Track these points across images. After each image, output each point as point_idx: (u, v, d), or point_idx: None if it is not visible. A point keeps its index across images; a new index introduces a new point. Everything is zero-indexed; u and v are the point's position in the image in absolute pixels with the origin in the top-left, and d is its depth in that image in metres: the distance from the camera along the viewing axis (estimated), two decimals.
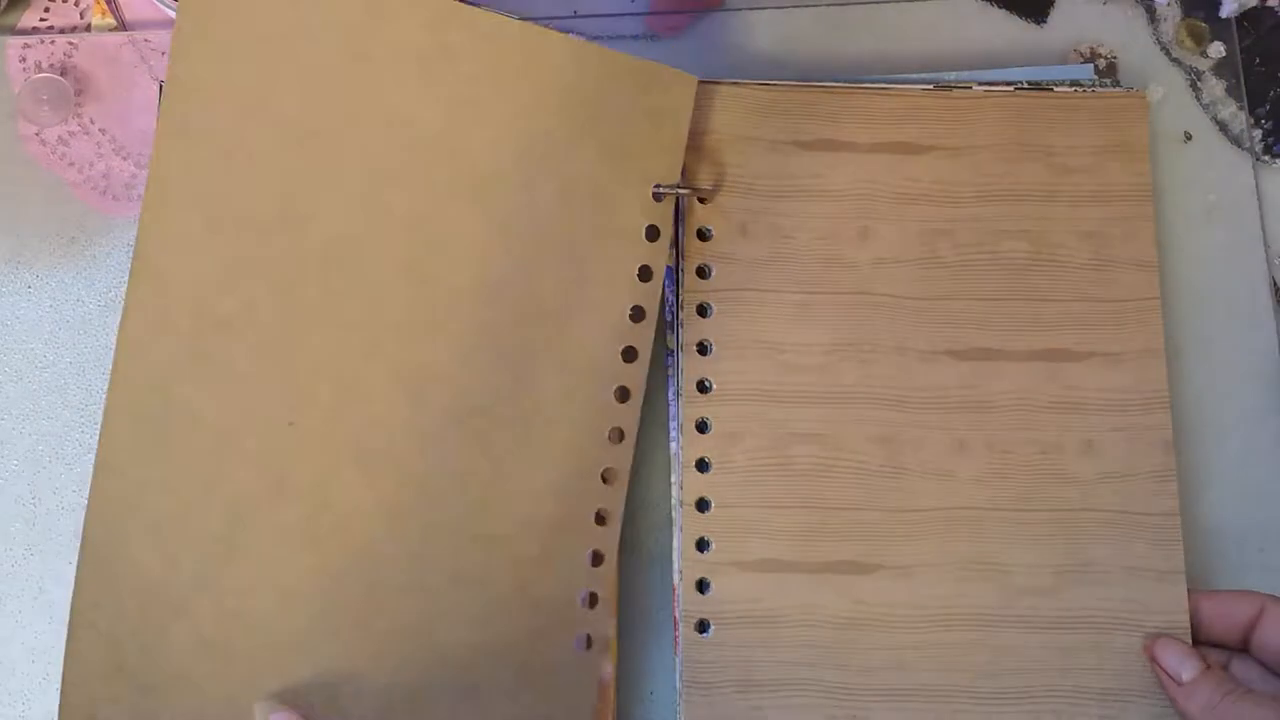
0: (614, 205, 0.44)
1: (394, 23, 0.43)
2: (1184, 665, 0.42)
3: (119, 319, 0.43)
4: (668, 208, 0.45)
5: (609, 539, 0.44)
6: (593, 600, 0.43)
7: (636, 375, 0.44)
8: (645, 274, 0.44)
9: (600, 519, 0.44)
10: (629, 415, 0.44)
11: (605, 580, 0.43)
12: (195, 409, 0.42)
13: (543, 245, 0.44)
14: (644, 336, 0.44)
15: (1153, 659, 0.43)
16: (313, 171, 0.43)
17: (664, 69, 0.45)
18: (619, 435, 0.44)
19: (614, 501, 0.44)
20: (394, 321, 0.43)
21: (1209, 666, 0.42)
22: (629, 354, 0.44)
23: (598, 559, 0.43)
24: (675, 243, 0.46)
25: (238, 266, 0.43)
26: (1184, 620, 0.44)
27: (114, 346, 0.43)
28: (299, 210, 0.43)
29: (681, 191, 0.45)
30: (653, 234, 0.44)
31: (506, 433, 0.43)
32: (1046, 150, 0.48)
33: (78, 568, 0.42)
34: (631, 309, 0.44)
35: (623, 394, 0.44)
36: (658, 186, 0.44)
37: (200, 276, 0.43)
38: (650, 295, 0.44)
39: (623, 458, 0.44)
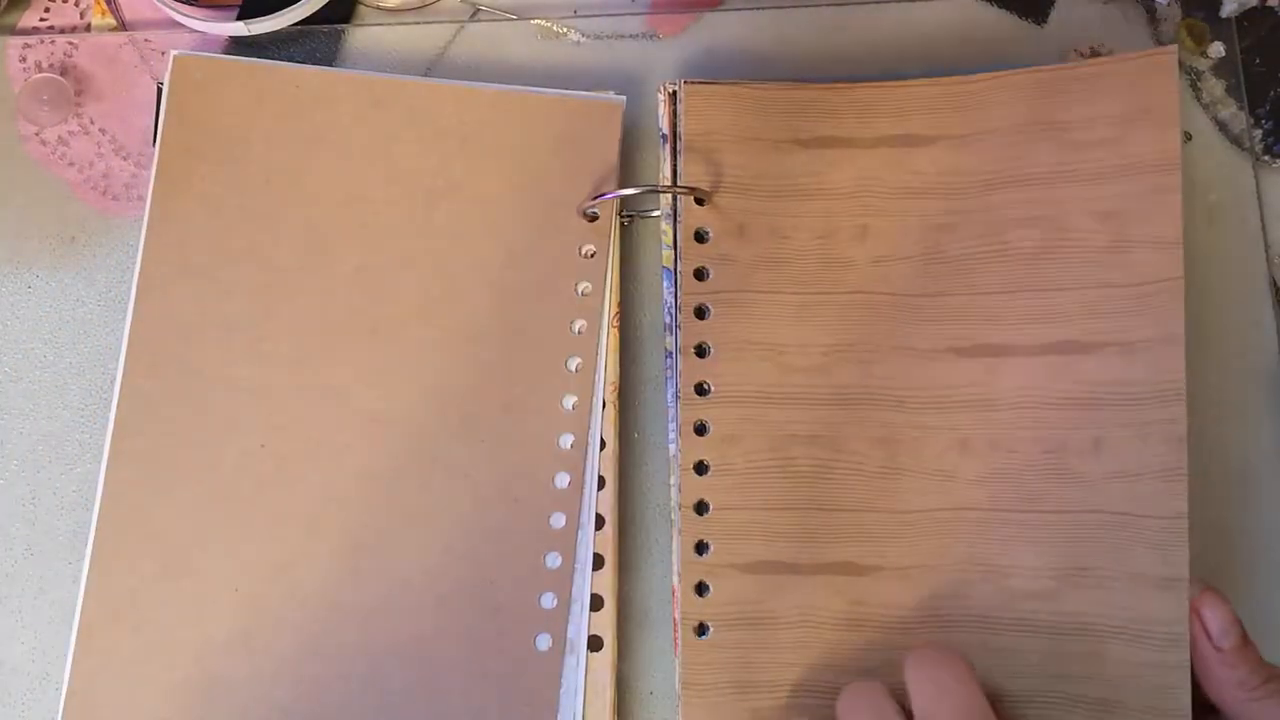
0: (547, 231, 0.47)
1: (332, 107, 0.47)
2: (1228, 633, 0.41)
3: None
4: (605, 222, 0.47)
5: (565, 541, 0.45)
6: (555, 601, 0.44)
7: (584, 383, 0.46)
8: (587, 289, 0.47)
9: (556, 521, 0.45)
10: (578, 421, 0.46)
11: (564, 583, 0.45)
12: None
13: (484, 280, 0.46)
14: (587, 346, 0.46)
15: (1195, 611, 0.42)
16: (284, 242, 0.47)
17: (591, 103, 0.47)
18: (569, 441, 0.46)
19: (569, 504, 0.45)
20: (358, 372, 0.46)
21: (1248, 644, 0.41)
22: (574, 364, 0.46)
23: (557, 560, 0.45)
24: (674, 245, 0.46)
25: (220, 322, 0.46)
26: (1182, 631, 0.43)
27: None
28: (275, 274, 0.47)
29: (679, 191, 0.45)
30: (589, 254, 0.47)
31: (464, 449, 0.45)
32: (1061, 127, 0.45)
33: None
34: (573, 323, 0.46)
35: (571, 404, 0.46)
36: (591, 202, 0.46)
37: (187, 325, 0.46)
38: (590, 310, 0.47)
39: (573, 461, 0.45)
